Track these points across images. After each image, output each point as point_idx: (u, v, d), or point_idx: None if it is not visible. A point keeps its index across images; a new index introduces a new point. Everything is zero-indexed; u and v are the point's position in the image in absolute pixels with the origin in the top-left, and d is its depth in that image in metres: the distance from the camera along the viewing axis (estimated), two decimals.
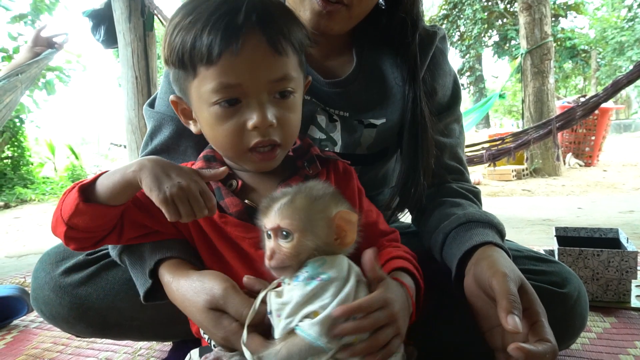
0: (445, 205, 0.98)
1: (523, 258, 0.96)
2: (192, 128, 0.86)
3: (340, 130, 1.02)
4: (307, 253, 0.65)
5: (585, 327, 1.26)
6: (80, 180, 0.75)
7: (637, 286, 1.53)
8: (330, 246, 0.66)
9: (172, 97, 0.85)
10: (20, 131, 7.70)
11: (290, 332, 0.63)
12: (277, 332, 0.64)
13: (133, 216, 0.78)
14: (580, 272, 1.42)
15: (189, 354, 0.84)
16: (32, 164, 8.09)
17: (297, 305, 0.62)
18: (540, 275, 0.90)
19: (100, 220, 0.74)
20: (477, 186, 1.12)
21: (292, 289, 0.64)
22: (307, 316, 0.62)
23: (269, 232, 0.67)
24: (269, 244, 0.67)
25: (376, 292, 0.67)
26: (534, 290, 0.72)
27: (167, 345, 1.27)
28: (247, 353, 0.63)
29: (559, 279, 0.90)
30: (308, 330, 0.61)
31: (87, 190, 0.72)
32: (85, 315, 0.90)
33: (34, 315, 1.64)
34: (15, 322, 1.59)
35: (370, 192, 1.15)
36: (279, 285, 0.68)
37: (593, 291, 1.43)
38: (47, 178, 8.21)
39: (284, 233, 0.65)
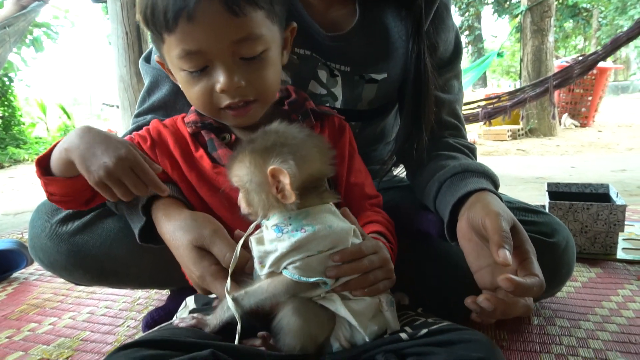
0: (440, 158, 0.98)
1: (514, 209, 0.97)
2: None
3: (341, 85, 1.01)
4: (256, 205, 0.66)
5: (572, 276, 1.31)
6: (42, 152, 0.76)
7: (624, 239, 1.58)
8: (276, 201, 0.65)
9: (156, 57, 0.86)
10: (9, 90, 7.56)
11: (273, 274, 0.65)
12: (260, 276, 0.66)
13: None
14: (569, 226, 1.45)
15: (184, 302, 0.87)
16: (23, 124, 7.99)
17: (282, 255, 0.63)
18: (530, 226, 0.92)
19: (71, 188, 0.76)
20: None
21: (276, 240, 0.64)
22: (291, 262, 0.63)
23: None
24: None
25: (368, 240, 0.70)
26: (525, 231, 0.73)
27: (165, 295, 1.30)
28: (228, 298, 0.64)
29: (548, 229, 0.93)
30: (293, 272, 0.63)
31: (44, 163, 0.74)
32: (83, 262, 0.92)
33: (33, 268, 1.67)
34: (15, 274, 1.62)
35: (367, 148, 1.15)
36: (257, 227, 0.70)
37: (581, 243, 1.46)
38: (40, 138, 8.12)
39: (236, 187, 0.68)
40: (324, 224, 0.65)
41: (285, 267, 0.63)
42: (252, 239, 0.68)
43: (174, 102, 0.99)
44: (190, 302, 0.81)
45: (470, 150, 1.04)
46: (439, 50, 1.04)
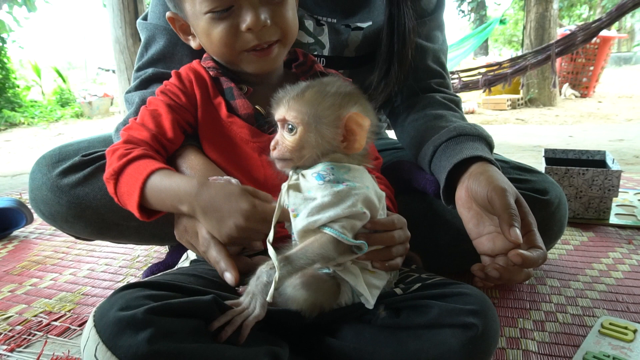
0: (429, 118, 0.99)
1: (509, 168, 0.99)
2: (192, 44, 0.87)
3: (328, 33, 1.03)
4: (309, 149, 0.63)
5: (564, 239, 1.33)
6: (129, 192, 0.73)
7: (617, 205, 1.59)
8: (336, 148, 0.64)
9: (168, 13, 0.85)
10: (2, 52, 7.41)
11: (309, 232, 0.61)
12: (295, 230, 0.62)
13: None
14: (565, 191, 1.45)
15: (185, 253, 0.88)
16: (18, 87, 7.87)
17: (322, 206, 0.60)
18: (524, 184, 0.94)
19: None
20: (468, 109, 1.14)
21: (317, 188, 0.61)
22: (333, 221, 0.60)
23: (278, 123, 0.67)
24: (277, 135, 0.66)
25: (397, 215, 0.71)
26: (526, 203, 0.75)
27: (164, 253, 1.32)
28: (272, 254, 0.58)
29: (542, 187, 0.94)
30: (340, 230, 0.60)
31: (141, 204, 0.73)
32: (84, 214, 0.92)
33: (32, 227, 1.68)
34: (15, 233, 1.64)
35: None
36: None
37: (575, 209, 1.48)
38: (35, 102, 8.02)
39: (289, 126, 0.64)
40: (362, 183, 0.64)
41: (326, 225, 0.60)
42: (285, 186, 0.64)
43: (173, 53, 0.98)
44: (191, 253, 0.83)
45: (456, 104, 1.06)
46: (422, 1, 1.07)
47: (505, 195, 0.71)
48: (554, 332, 0.88)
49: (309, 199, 0.61)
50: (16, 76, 7.95)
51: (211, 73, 0.84)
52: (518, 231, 0.68)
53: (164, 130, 0.79)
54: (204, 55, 0.87)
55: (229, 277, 0.67)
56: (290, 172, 0.66)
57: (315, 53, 1.03)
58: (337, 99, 0.63)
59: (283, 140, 0.65)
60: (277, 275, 0.56)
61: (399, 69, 1.02)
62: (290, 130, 0.64)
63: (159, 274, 0.73)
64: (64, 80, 8.68)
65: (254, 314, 0.58)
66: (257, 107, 0.82)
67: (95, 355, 0.51)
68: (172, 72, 0.85)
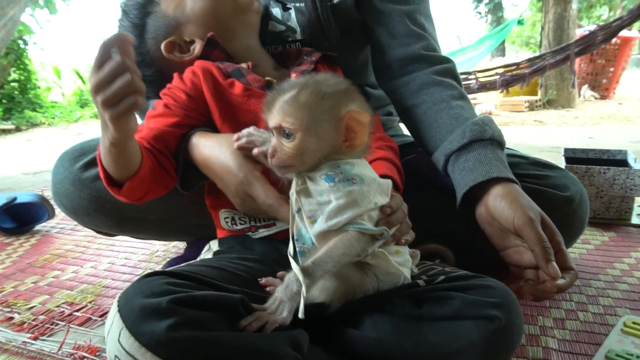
0: (428, 105, 0.95)
1: (528, 164, 0.97)
2: (197, 47, 0.91)
3: (295, 17, 1.04)
4: (311, 154, 0.61)
5: (584, 239, 1.31)
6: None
7: (639, 205, 1.56)
8: (337, 148, 0.61)
9: (164, 44, 0.91)
10: (24, 54, 7.57)
11: (330, 232, 0.60)
12: (313, 234, 0.61)
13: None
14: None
15: (208, 244, 0.89)
16: (39, 88, 8.03)
17: (339, 207, 0.59)
18: (544, 180, 0.93)
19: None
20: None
21: (329, 190, 0.60)
22: (351, 221, 0.59)
23: (273, 130, 0.63)
24: (272, 141, 0.62)
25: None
26: (551, 221, 0.75)
27: (182, 248, 1.33)
28: (296, 268, 0.58)
29: (562, 183, 0.93)
30: (362, 223, 0.60)
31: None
32: (104, 207, 0.94)
33: (54, 222, 1.72)
34: (37, 227, 1.67)
35: None
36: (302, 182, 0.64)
37: (596, 208, 1.46)
38: (56, 102, 8.18)
39: (286, 132, 0.60)
40: (368, 177, 0.63)
41: (349, 223, 0.59)
42: (294, 193, 0.62)
43: None
44: (214, 244, 0.84)
45: (452, 76, 1.00)
46: None
47: (534, 227, 0.71)
48: (574, 330, 0.86)
49: (323, 203, 0.60)
50: (37, 78, 8.12)
51: (212, 57, 0.88)
52: (555, 265, 0.69)
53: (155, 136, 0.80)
54: (199, 50, 0.91)
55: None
56: (294, 177, 0.63)
57: (290, 40, 1.04)
58: (335, 99, 0.60)
59: (281, 147, 0.61)
60: (304, 290, 0.56)
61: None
62: (288, 136, 0.60)
63: (182, 264, 0.73)
64: (83, 82, 8.83)
65: (281, 317, 0.57)
66: (267, 78, 0.86)
67: (119, 340, 0.52)
68: (174, 75, 0.88)
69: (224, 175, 0.76)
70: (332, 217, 0.59)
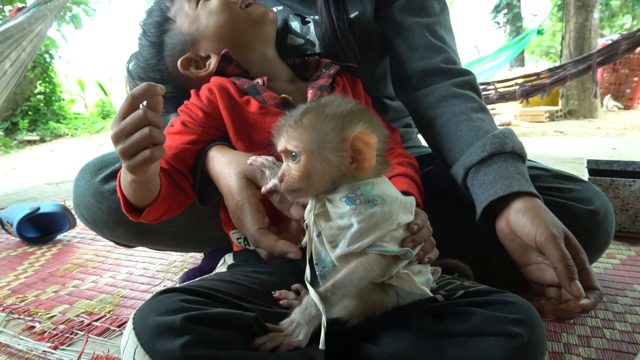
0: (447, 117, 0.94)
1: (550, 177, 0.95)
2: (212, 63, 0.93)
3: (314, 30, 1.04)
4: (318, 176, 0.59)
5: (610, 254, 1.27)
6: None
7: None
8: (345, 171, 0.60)
9: (180, 60, 0.93)
10: (50, 67, 7.80)
11: (351, 254, 0.59)
12: (334, 257, 0.60)
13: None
14: None
15: (223, 258, 0.89)
16: (63, 100, 8.25)
17: (361, 231, 0.58)
18: (568, 193, 0.90)
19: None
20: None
21: (350, 214, 0.58)
22: (372, 244, 0.58)
23: (282, 155, 0.63)
24: (282, 166, 0.63)
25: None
26: (575, 238, 0.73)
27: (200, 259, 1.34)
28: (314, 295, 0.57)
29: (586, 196, 0.90)
30: (383, 246, 0.59)
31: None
32: (123, 218, 0.94)
33: (75, 231, 1.75)
34: (59, 237, 1.70)
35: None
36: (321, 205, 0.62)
37: (621, 222, 1.42)
38: (79, 114, 8.39)
39: (293, 154, 0.60)
40: (390, 196, 0.61)
41: (370, 246, 0.58)
42: (311, 217, 0.61)
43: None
44: (228, 258, 0.84)
45: (472, 88, 0.99)
46: None
47: (557, 244, 0.69)
48: (600, 349, 0.83)
49: (344, 227, 0.59)
50: (62, 90, 8.34)
51: (228, 72, 0.89)
52: (579, 284, 0.67)
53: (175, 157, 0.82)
54: (214, 66, 0.92)
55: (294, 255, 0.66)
56: (312, 201, 0.62)
57: (308, 53, 1.05)
58: (338, 121, 0.59)
59: (289, 171, 0.61)
60: (324, 320, 0.55)
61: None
62: (294, 158, 0.60)
63: (196, 280, 0.73)
64: (105, 94, 9.05)
65: (297, 340, 0.56)
66: (283, 95, 0.86)
67: (134, 357, 0.52)
68: (192, 92, 0.89)
69: (226, 195, 0.77)
70: (353, 242, 0.58)
